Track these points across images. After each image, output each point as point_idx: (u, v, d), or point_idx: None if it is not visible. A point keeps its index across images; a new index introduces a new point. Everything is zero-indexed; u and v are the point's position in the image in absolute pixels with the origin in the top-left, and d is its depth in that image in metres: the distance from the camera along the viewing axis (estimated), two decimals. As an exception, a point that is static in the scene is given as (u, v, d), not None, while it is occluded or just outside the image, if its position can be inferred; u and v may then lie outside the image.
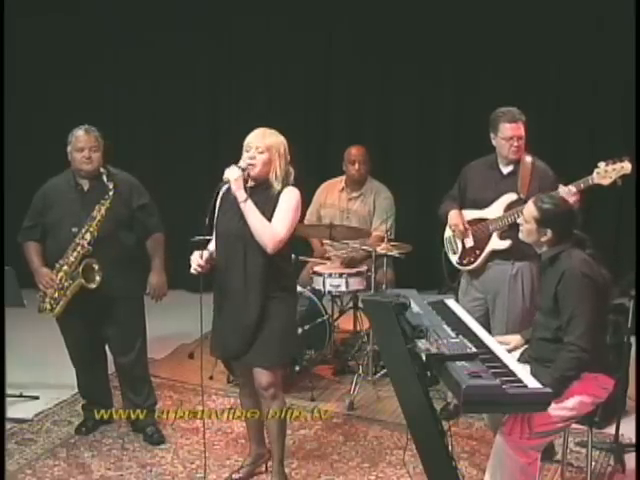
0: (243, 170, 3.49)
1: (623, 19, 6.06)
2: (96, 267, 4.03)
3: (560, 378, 3.17)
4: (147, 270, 4.26)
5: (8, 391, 4.55)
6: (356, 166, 5.52)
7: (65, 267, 4.05)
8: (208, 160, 6.95)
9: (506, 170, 4.26)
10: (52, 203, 4.16)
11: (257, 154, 3.50)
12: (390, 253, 4.93)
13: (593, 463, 3.79)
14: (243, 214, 3.48)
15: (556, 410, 3.16)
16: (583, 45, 6.46)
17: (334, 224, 5.27)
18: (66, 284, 4.06)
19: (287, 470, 3.91)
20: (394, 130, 7.03)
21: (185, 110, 6.97)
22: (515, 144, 4.15)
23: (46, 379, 5.05)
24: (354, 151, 5.54)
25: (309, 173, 6.46)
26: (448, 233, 4.49)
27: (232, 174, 3.47)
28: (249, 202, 3.47)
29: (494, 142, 4.24)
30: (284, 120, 6.68)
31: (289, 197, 3.54)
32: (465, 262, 4.40)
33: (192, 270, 3.56)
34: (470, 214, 4.36)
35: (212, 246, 3.67)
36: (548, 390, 2.93)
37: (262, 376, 3.61)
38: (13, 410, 4.53)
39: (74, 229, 4.05)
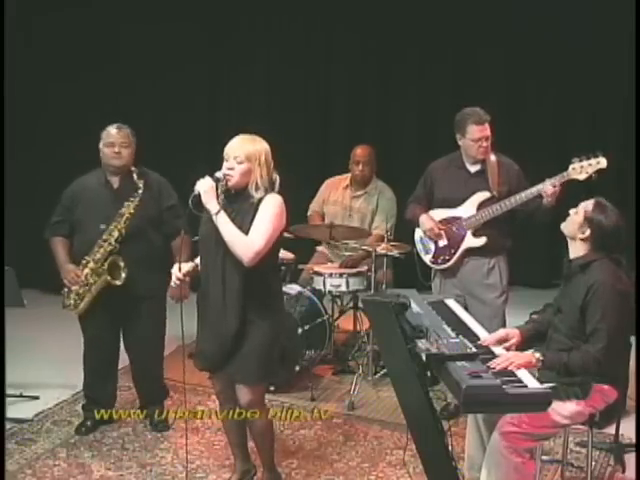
0: (217, 180, 3.37)
1: (623, 12, 6.08)
2: (122, 264, 4.05)
3: (564, 365, 3.19)
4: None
5: (8, 391, 4.56)
6: (360, 167, 5.51)
7: (91, 264, 4.07)
8: (207, 161, 6.93)
9: (474, 169, 4.31)
10: (81, 200, 4.18)
11: (236, 164, 3.36)
12: (390, 253, 4.93)
13: (593, 463, 3.79)
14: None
15: (552, 415, 3.18)
16: (584, 35, 6.49)
17: (334, 224, 5.27)
18: (91, 280, 4.08)
19: (287, 470, 3.92)
20: (394, 130, 7.05)
21: (185, 110, 6.97)
22: (484, 144, 4.21)
23: (46, 379, 5.05)
24: (359, 152, 5.53)
25: (309, 173, 6.49)
26: (419, 234, 4.53)
27: (202, 186, 3.34)
28: (221, 214, 3.32)
29: (460, 142, 4.29)
30: (284, 120, 6.75)
31: (269, 205, 3.38)
32: (440, 261, 4.44)
33: (172, 283, 3.52)
34: (441, 213, 4.40)
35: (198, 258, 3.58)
36: (548, 390, 2.94)
37: (242, 394, 3.51)
38: (13, 410, 4.53)
39: (102, 226, 4.07)
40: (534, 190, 4.10)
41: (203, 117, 7.12)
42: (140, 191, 4.05)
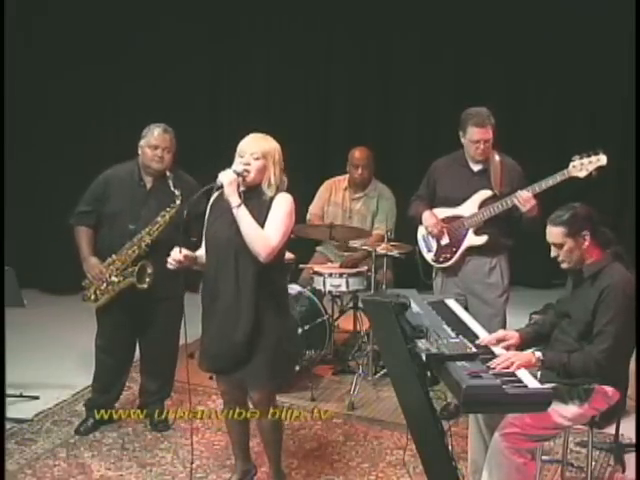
0: (238, 175, 3.36)
1: (623, 12, 6.09)
2: (149, 270, 4.07)
3: (564, 366, 3.19)
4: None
5: (8, 391, 4.56)
6: (359, 170, 5.48)
7: (118, 263, 4.09)
8: (207, 161, 6.93)
9: (476, 168, 4.32)
10: (113, 193, 4.17)
11: (252, 160, 3.37)
12: (390, 253, 4.93)
13: (593, 463, 3.79)
14: (235, 221, 3.35)
15: (554, 417, 3.18)
16: (584, 35, 6.50)
17: (334, 224, 5.27)
18: (115, 279, 4.10)
19: (287, 470, 3.91)
20: (394, 130, 7.05)
21: (185, 110, 6.96)
22: (482, 147, 4.22)
23: (46, 379, 5.05)
24: (357, 154, 5.49)
25: (309, 173, 6.48)
26: (422, 232, 4.53)
27: (226, 178, 3.32)
28: (242, 208, 3.31)
29: (462, 140, 4.30)
30: (284, 120, 6.74)
31: (282, 203, 3.41)
32: (441, 259, 4.44)
33: (168, 265, 3.42)
34: (443, 212, 4.41)
35: (200, 252, 3.55)
36: (548, 390, 2.94)
37: (257, 394, 3.52)
38: (13, 410, 4.52)
39: (131, 226, 4.08)
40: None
41: (203, 117, 7.11)
42: (178, 201, 4.03)
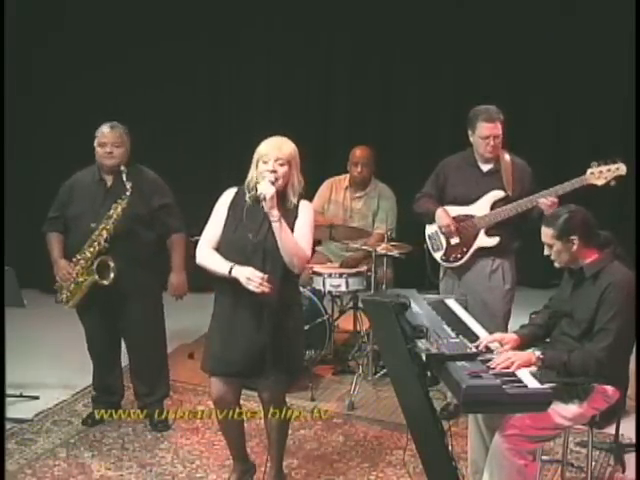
0: (272, 184, 3.31)
1: (623, 12, 6.09)
2: (111, 264, 4.09)
3: (564, 364, 3.19)
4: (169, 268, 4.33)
5: (8, 391, 4.56)
6: (359, 168, 5.49)
7: (82, 262, 4.12)
8: (208, 162, 6.95)
9: (486, 168, 4.29)
10: (76, 196, 4.23)
11: (278, 167, 3.33)
12: (390, 253, 4.93)
13: (593, 463, 3.79)
14: (262, 228, 3.35)
15: (554, 417, 3.18)
16: (584, 35, 6.50)
17: (334, 224, 5.28)
18: (81, 279, 4.13)
19: (287, 470, 3.91)
20: (394, 130, 7.04)
21: (185, 112, 6.96)
22: (492, 143, 4.19)
23: (46, 379, 5.05)
24: (358, 153, 5.50)
25: (309, 173, 6.47)
26: (431, 230, 4.49)
27: (268, 190, 3.27)
28: (283, 222, 3.30)
29: (471, 139, 4.27)
30: (284, 120, 6.74)
31: (308, 213, 3.45)
32: (452, 259, 4.40)
33: (255, 288, 3.27)
34: (454, 210, 4.36)
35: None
36: (548, 390, 2.94)
37: (272, 393, 3.55)
38: (13, 410, 4.53)
39: (93, 224, 4.11)
40: (544, 193, 4.07)
41: (203, 117, 7.10)
42: (128, 193, 4.06)
